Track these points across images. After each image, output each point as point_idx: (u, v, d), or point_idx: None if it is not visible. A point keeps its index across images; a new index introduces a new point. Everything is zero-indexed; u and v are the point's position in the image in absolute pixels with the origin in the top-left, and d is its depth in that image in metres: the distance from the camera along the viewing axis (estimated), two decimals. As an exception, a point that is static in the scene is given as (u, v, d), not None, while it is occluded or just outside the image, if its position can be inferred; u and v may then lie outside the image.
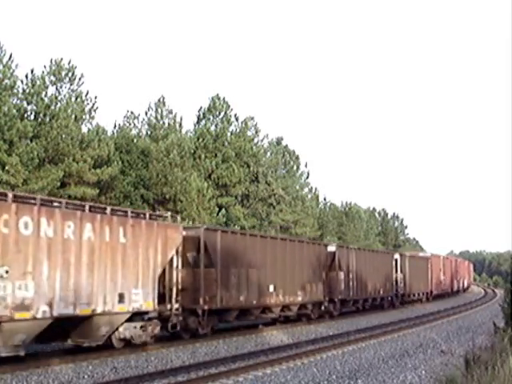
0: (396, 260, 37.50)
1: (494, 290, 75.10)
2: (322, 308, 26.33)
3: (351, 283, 29.21)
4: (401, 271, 37.69)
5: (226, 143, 41.63)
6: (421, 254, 49.29)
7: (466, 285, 67.17)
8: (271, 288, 21.49)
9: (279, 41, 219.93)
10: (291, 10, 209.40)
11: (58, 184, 26.94)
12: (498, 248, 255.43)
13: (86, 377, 12.35)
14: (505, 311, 17.15)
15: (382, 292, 34.08)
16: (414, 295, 41.29)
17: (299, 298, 23.74)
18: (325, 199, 62.13)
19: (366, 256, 32.20)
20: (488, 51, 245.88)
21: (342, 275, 28.00)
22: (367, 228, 70.08)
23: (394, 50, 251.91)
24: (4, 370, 12.29)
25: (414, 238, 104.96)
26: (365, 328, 23.46)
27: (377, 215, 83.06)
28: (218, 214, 35.48)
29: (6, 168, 24.42)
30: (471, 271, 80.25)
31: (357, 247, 33.29)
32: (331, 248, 27.98)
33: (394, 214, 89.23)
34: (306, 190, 51.78)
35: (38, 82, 28.27)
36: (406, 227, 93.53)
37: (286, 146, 49.45)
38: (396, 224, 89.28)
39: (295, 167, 49.68)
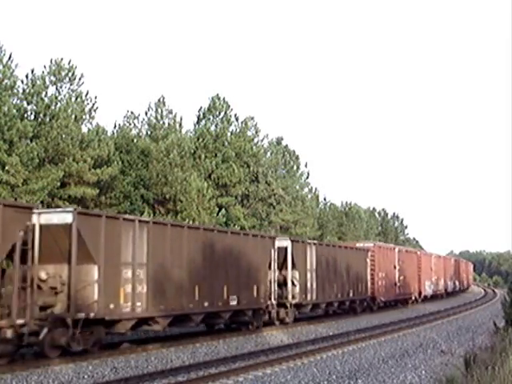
0: (284, 249, 23.67)
1: (494, 290, 75.14)
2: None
3: (140, 287, 15.50)
4: (294, 267, 24.02)
5: (226, 143, 41.58)
6: (359, 245, 34.89)
7: (453, 288, 56.33)
8: None
9: (279, 41, 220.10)
10: (291, 10, 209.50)
11: (58, 184, 26.88)
12: (498, 248, 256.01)
13: (85, 377, 12.36)
14: (506, 310, 17.23)
15: (238, 302, 19.88)
16: (332, 304, 28.28)
17: None
18: (325, 199, 62.13)
19: (199, 239, 18.22)
20: (488, 51, 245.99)
21: (94, 271, 14.18)
22: (367, 228, 70.07)
23: (393, 50, 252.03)
24: (4, 370, 12.30)
25: (414, 238, 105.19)
26: (365, 328, 23.49)
27: (377, 215, 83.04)
28: (217, 214, 35.44)
29: (6, 168, 24.39)
30: (470, 271, 79.56)
31: (169, 222, 20.46)
32: (63, 217, 13.83)
33: (394, 214, 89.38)
34: (306, 189, 51.77)
35: (38, 82, 28.21)
36: (406, 227, 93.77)
37: (286, 146, 49.44)
38: (396, 224, 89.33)
39: (295, 167, 49.64)
